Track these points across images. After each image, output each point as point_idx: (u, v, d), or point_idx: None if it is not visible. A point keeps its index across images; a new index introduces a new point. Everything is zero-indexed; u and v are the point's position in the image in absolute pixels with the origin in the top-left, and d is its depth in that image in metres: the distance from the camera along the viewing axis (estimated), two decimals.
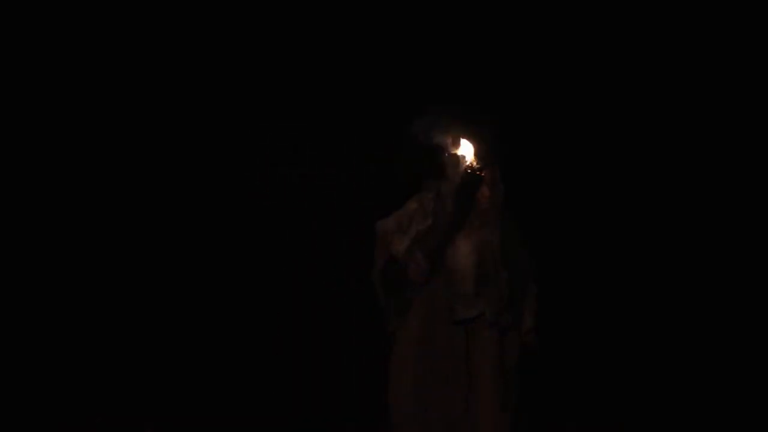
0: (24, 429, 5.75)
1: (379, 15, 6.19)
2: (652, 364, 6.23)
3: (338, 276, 6.13)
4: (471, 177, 4.47)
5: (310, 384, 6.18)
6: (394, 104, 5.89)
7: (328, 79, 6.30)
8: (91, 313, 6.22)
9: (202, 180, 6.38)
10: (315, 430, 5.94)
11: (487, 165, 4.49)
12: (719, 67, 6.21)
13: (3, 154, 6.19)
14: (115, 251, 6.29)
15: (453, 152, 4.51)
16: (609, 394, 6.16)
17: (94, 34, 6.21)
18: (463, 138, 4.50)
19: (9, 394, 5.90)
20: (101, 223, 6.27)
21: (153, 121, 6.31)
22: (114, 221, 6.28)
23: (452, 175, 4.54)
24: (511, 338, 4.55)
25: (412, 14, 6.18)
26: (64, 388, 6.02)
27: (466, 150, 4.51)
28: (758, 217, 6.24)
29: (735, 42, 6.14)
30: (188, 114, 6.32)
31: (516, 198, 4.71)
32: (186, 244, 6.34)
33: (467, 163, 4.48)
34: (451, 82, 6.09)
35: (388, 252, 4.47)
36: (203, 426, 5.86)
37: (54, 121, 6.24)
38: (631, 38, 6.23)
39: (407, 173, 4.75)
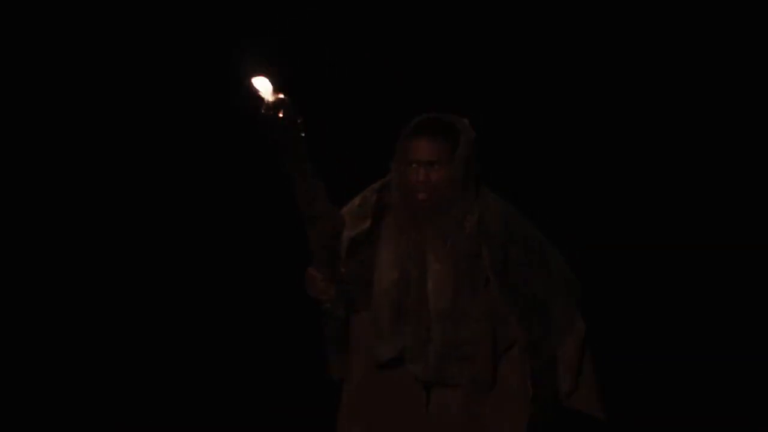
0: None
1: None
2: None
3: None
4: (266, 121, 2.99)
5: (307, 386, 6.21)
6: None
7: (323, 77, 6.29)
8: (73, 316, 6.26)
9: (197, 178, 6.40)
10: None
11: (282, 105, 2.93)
12: (720, 61, 6.17)
13: (2, 154, 6.22)
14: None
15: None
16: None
17: (91, 33, 6.22)
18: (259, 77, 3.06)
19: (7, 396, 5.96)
20: (89, 227, 6.30)
21: (151, 120, 6.33)
22: (106, 224, 6.31)
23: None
24: (499, 403, 3.20)
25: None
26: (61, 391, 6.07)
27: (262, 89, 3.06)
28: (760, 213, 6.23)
29: (736, 39, 6.11)
30: (186, 113, 6.34)
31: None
32: (180, 246, 6.36)
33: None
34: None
35: None
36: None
37: (53, 121, 6.27)
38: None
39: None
